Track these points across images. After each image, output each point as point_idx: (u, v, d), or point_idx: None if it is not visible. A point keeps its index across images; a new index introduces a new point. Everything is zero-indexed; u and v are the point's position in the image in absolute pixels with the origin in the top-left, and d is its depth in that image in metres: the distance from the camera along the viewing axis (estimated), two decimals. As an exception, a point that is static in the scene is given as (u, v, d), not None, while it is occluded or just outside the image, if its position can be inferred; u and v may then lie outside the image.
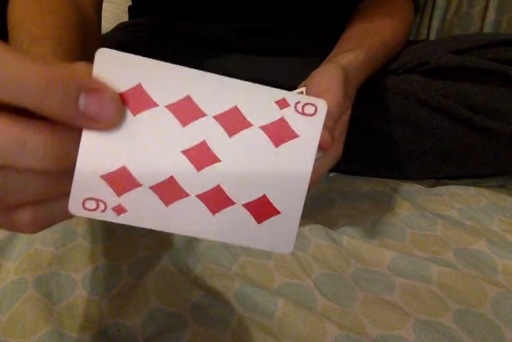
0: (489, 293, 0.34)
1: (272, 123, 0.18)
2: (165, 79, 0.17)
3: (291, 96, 0.18)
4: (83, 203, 0.17)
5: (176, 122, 0.18)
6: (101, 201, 0.17)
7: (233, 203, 0.19)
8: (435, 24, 0.73)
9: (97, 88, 0.16)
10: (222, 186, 0.18)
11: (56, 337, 0.30)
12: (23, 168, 0.16)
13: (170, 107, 0.17)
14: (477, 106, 0.47)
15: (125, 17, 0.71)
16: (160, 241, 0.39)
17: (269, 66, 0.55)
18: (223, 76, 0.18)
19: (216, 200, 0.18)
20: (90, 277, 0.35)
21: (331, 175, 0.53)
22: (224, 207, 0.19)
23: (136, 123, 0.17)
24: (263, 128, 0.18)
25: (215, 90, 0.18)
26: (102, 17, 0.51)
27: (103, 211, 0.17)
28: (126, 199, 0.18)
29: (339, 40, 0.52)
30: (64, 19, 0.38)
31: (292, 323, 0.32)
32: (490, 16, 0.69)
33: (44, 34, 0.34)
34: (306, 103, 0.18)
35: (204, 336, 0.31)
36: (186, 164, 0.18)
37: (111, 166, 0.17)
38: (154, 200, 0.18)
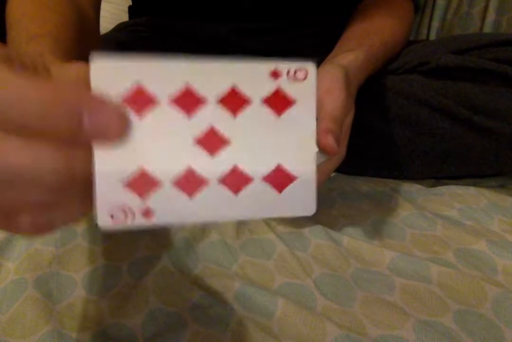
0: (489, 293, 0.34)
1: (269, 95, 0.19)
2: (161, 75, 0.18)
3: (281, 65, 0.19)
4: (111, 215, 0.18)
5: (181, 115, 0.18)
6: (128, 209, 0.18)
7: (252, 180, 0.19)
8: (435, 24, 0.73)
9: (99, 105, 0.16)
10: (238, 166, 0.19)
11: (56, 337, 0.30)
12: (35, 183, 0.16)
13: (172, 101, 0.18)
14: (477, 106, 0.47)
15: (125, 17, 0.71)
16: (160, 241, 0.39)
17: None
18: (215, 61, 0.18)
19: (235, 180, 0.19)
20: (90, 277, 0.35)
21: (331, 175, 0.53)
22: (244, 186, 0.19)
23: (143, 125, 0.17)
24: (263, 102, 0.19)
25: (210, 75, 0.18)
26: (102, 17, 0.51)
27: (132, 219, 0.18)
28: (151, 201, 0.18)
29: (339, 40, 0.52)
30: (62, 17, 0.38)
31: (292, 323, 0.32)
32: (490, 16, 0.69)
33: (42, 32, 0.35)
34: (296, 70, 0.19)
35: (204, 336, 0.31)
36: (199, 153, 0.18)
37: (129, 172, 0.18)
38: (178, 195, 0.18)
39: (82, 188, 0.17)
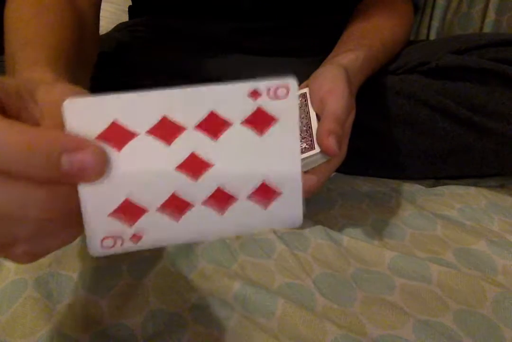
0: (489, 293, 0.34)
1: (250, 115, 0.19)
2: (136, 109, 0.18)
3: (260, 85, 0.18)
4: (101, 244, 0.18)
5: (160, 144, 0.18)
6: (117, 236, 0.18)
7: (236, 199, 0.19)
8: (435, 24, 0.73)
9: (75, 146, 0.17)
10: (222, 187, 0.19)
11: (56, 337, 0.30)
12: (23, 219, 0.17)
13: (150, 132, 0.18)
14: (477, 106, 0.47)
15: (125, 17, 0.71)
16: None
17: (269, 66, 0.55)
18: (189, 87, 0.18)
19: (220, 201, 0.19)
20: (90, 277, 0.35)
21: (331, 175, 0.53)
22: (229, 205, 0.19)
23: (123, 157, 0.18)
24: (243, 123, 0.19)
25: (186, 103, 0.18)
26: (102, 17, 0.51)
27: (122, 244, 0.18)
28: (138, 227, 0.18)
29: (339, 40, 0.52)
30: (60, 20, 0.38)
31: (292, 323, 0.32)
32: (490, 16, 0.69)
33: (37, 36, 0.35)
34: (277, 87, 0.19)
35: (204, 336, 0.31)
36: (182, 179, 0.18)
37: (114, 203, 0.18)
38: (164, 219, 0.19)
39: (71, 217, 0.18)
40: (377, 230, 0.42)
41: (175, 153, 0.18)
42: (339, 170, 0.53)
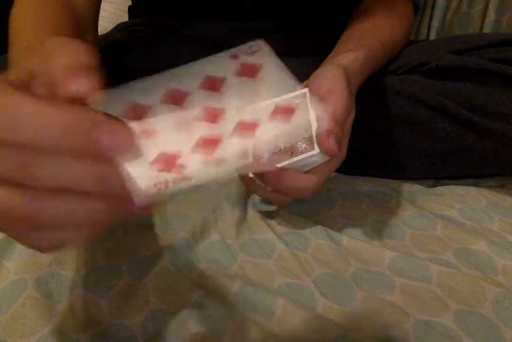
0: (489, 293, 0.34)
1: (238, 69, 0.23)
2: (145, 90, 0.21)
3: (236, 49, 0.23)
4: (147, 192, 0.20)
5: (175, 107, 0.21)
6: (161, 182, 0.20)
7: (260, 124, 0.21)
8: (435, 24, 0.73)
9: (112, 124, 0.18)
10: (242, 120, 0.21)
11: (56, 337, 0.30)
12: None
13: (162, 102, 0.21)
14: (477, 107, 0.47)
15: (125, 17, 0.71)
16: (160, 241, 0.39)
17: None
18: (181, 66, 0.22)
19: (246, 128, 0.21)
20: (90, 277, 0.35)
21: (331, 175, 0.53)
22: (256, 128, 0.21)
23: (146, 125, 0.20)
24: (235, 75, 0.22)
25: (184, 76, 0.22)
26: (102, 17, 0.51)
27: (166, 187, 0.20)
28: (180, 167, 0.20)
29: (339, 41, 0.52)
30: (61, 29, 0.39)
31: (292, 323, 0.32)
32: (490, 16, 0.69)
33: (39, 41, 0.35)
34: (250, 46, 0.24)
35: (204, 336, 0.31)
36: (204, 126, 0.21)
37: (151, 157, 0.20)
38: (200, 155, 0.20)
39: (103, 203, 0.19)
40: (377, 230, 0.42)
41: (190, 111, 0.21)
42: (339, 170, 0.53)
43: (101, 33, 0.59)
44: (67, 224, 0.20)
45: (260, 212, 0.44)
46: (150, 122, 0.20)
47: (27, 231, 0.20)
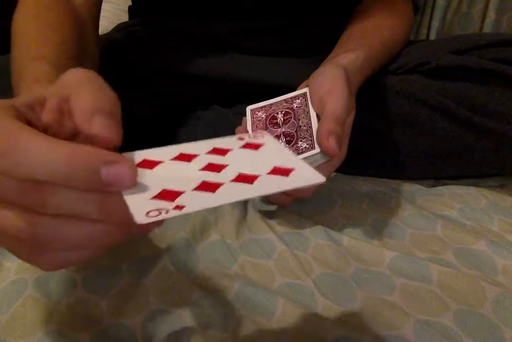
0: (489, 293, 0.34)
1: (243, 145, 0.25)
2: (160, 153, 0.23)
3: (242, 135, 0.26)
4: (147, 215, 0.20)
5: (182, 162, 0.23)
6: (161, 209, 0.21)
7: (259, 176, 0.23)
8: (435, 24, 0.73)
9: (113, 160, 0.19)
10: (241, 172, 0.23)
11: (56, 337, 0.30)
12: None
13: (172, 159, 0.23)
14: (477, 106, 0.47)
15: (125, 17, 0.71)
16: (160, 241, 0.39)
17: (269, 66, 0.55)
18: (191, 143, 0.24)
19: (245, 178, 0.22)
20: (90, 277, 0.35)
21: (331, 175, 0.53)
22: (255, 179, 0.22)
23: (155, 171, 0.22)
24: (240, 148, 0.25)
25: (193, 150, 0.24)
26: (102, 17, 0.51)
27: (166, 213, 0.21)
28: (179, 200, 0.21)
29: (339, 40, 0.52)
30: (63, 37, 0.39)
31: (292, 323, 0.32)
32: (490, 16, 0.69)
33: (41, 53, 0.36)
34: (255, 133, 0.26)
35: (204, 336, 0.31)
36: (207, 173, 0.23)
37: (153, 192, 0.21)
38: (202, 193, 0.22)
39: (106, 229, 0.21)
40: (377, 230, 0.42)
41: (196, 165, 0.23)
42: (339, 170, 0.53)
43: (101, 33, 0.59)
44: (71, 246, 0.21)
45: (260, 211, 0.44)
46: (157, 170, 0.22)
47: (32, 252, 0.21)
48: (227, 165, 0.23)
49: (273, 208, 0.45)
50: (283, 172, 0.23)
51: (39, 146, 0.18)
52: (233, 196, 0.21)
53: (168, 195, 0.21)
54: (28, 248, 0.21)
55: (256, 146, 0.25)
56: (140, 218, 0.20)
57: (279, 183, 0.22)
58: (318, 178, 0.23)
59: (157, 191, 0.21)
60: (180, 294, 0.34)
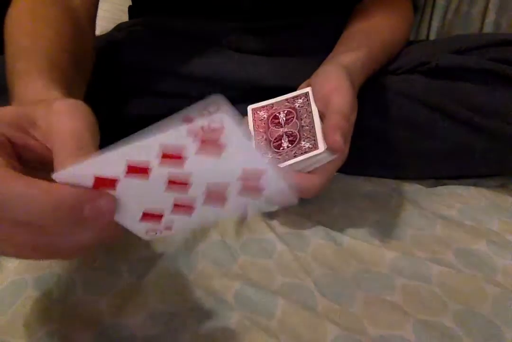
0: (489, 293, 0.34)
1: (199, 148, 0.20)
2: (107, 164, 0.21)
3: (193, 120, 0.20)
4: (146, 234, 0.24)
5: (140, 181, 0.21)
6: (155, 229, 0.24)
7: (228, 197, 0.22)
8: (435, 24, 0.73)
9: (93, 198, 0.21)
10: (209, 188, 0.22)
11: (56, 337, 0.30)
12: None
13: (126, 176, 0.21)
14: (477, 106, 0.47)
15: (125, 17, 0.71)
16: (160, 241, 0.39)
17: (269, 66, 0.55)
18: (137, 141, 0.20)
19: (216, 199, 0.23)
20: (90, 277, 0.35)
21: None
22: (225, 201, 0.22)
23: (121, 192, 0.22)
24: (196, 154, 0.20)
25: (140, 152, 0.20)
26: (102, 17, 0.51)
27: (161, 233, 0.24)
28: (165, 222, 0.24)
29: (339, 40, 0.51)
30: (58, 32, 0.39)
31: (292, 323, 0.32)
32: (490, 16, 0.69)
33: (33, 47, 0.36)
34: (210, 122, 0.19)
35: (204, 336, 0.31)
36: (175, 195, 0.22)
37: (139, 214, 0.23)
38: (180, 216, 0.23)
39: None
40: (377, 230, 0.42)
41: (156, 183, 0.21)
42: (339, 170, 0.53)
43: (101, 33, 0.59)
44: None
45: (260, 211, 0.44)
46: (121, 192, 0.22)
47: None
48: (189, 175, 0.21)
49: (275, 208, 0.45)
50: (253, 190, 0.22)
51: (25, 191, 0.19)
52: (210, 218, 0.23)
53: (151, 217, 0.23)
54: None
55: (212, 141, 0.19)
56: (145, 237, 0.23)
57: (250, 203, 0.22)
58: (290, 200, 0.22)
59: (140, 214, 0.23)
60: (180, 294, 0.34)
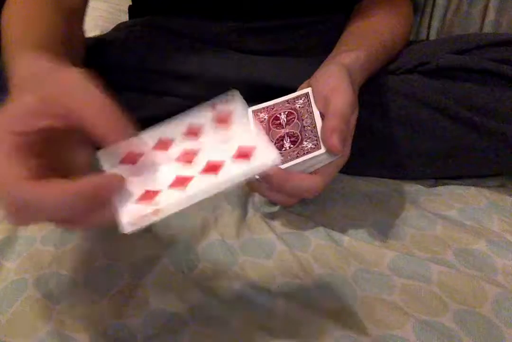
0: (489, 293, 0.34)
1: (214, 117, 0.28)
2: (138, 145, 0.27)
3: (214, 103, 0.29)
4: (130, 223, 0.25)
5: (161, 152, 0.27)
6: (142, 215, 0.24)
7: (224, 164, 0.26)
8: (435, 24, 0.73)
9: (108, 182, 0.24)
10: (210, 160, 0.26)
11: (56, 337, 0.30)
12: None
13: (152, 149, 0.28)
14: (477, 106, 0.47)
15: (124, 17, 0.71)
16: (160, 241, 0.39)
17: (269, 66, 0.55)
18: (167, 122, 0.28)
19: (212, 168, 0.26)
20: (90, 277, 0.35)
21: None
22: (220, 169, 0.26)
23: (139, 166, 0.26)
24: (212, 123, 0.28)
25: (170, 130, 0.28)
26: (101, 17, 0.51)
27: (147, 220, 0.24)
28: (156, 202, 0.25)
29: (339, 40, 0.51)
30: (51, 22, 0.41)
31: (292, 323, 0.32)
32: (490, 16, 0.69)
33: (25, 37, 0.38)
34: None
35: (204, 336, 0.31)
36: (181, 165, 0.27)
37: (138, 194, 0.25)
38: (174, 190, 0.25)
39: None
40: (377, 230, 0.42)
41: (172, 153, 0.27)
42: (339, 170, 0.53)
43: (101, 33, 0.59)
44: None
45: (260, 211, 0.44)
46: (140, 166, 0.26)
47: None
48: (198, 150, 0.27)
49: (275, 209, 0.45)
50: (245, 154, 0.26)
51: (43, 195, 0.22)
52: (202, 193, 0.25)
53: (148, 196, 0.25)
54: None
55: (225, 120, 0.28)
56: (127, 227, 0.24)
57: (240, 170, 0.25)
58: (274, 159, 0.25)
59: (140, 193, 0.25)
60: (180, 294, 0.34)
